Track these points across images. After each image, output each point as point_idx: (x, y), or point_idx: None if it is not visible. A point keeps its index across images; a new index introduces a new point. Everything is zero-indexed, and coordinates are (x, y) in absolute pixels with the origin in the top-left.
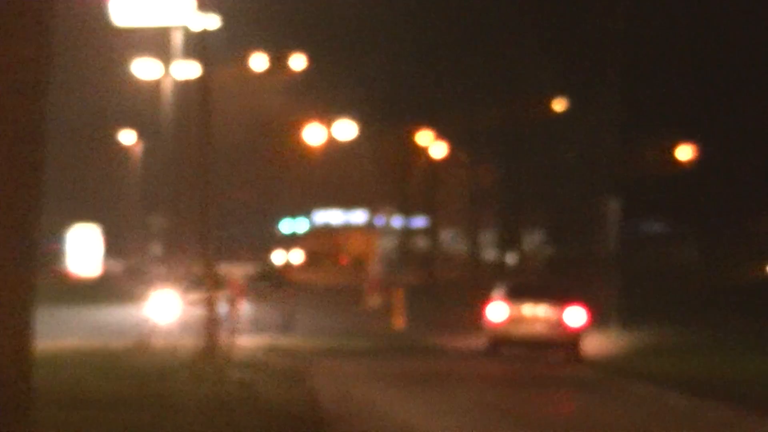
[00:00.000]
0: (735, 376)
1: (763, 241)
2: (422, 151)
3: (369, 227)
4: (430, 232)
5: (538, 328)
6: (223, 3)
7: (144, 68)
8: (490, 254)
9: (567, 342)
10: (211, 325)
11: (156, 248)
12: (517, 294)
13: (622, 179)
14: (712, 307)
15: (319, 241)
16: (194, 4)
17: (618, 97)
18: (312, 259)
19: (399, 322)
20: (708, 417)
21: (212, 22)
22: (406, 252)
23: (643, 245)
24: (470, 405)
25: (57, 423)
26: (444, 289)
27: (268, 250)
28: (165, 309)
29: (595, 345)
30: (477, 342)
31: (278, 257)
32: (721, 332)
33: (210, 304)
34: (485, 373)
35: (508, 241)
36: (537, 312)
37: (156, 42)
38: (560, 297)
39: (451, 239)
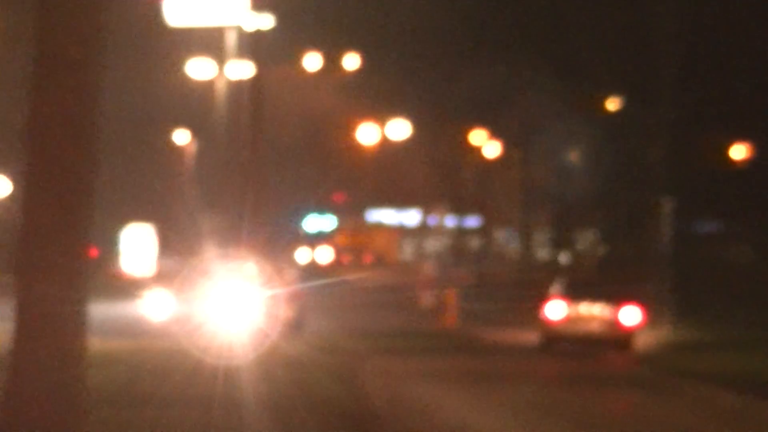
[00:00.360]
0: None
1: None
2: (476, 151)
3: (393, 226)
4: (483, 231)
5: (594, 327)
6: (277, 3)
7: (198, 68)
8: (543, 253)
9: (621, 341)
10: (264, 323)
11: (209, 247)
12: (574, 293)
13: (676, 178)
14: (766, 305)
15: (343, 239)
16: (248, 3)
17: (672, 96)
18: (338, 257)
19: (451, 320)
20: (762, 417)
21: (266, 21)
22: (458, 251)
23: (697, 244)
24: (524, 403)
25: (113, 422)
26: (497, 288)
27: (305, 247)
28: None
29: (648, 343)
30: (529, 339)
31: (303, 255)
32: None
33: (262, 302)
34: (539, 371)
35: (562, 240)
36: (593, 311)
37: (210, 42)
38: (616, 296)
39: (504, 238)
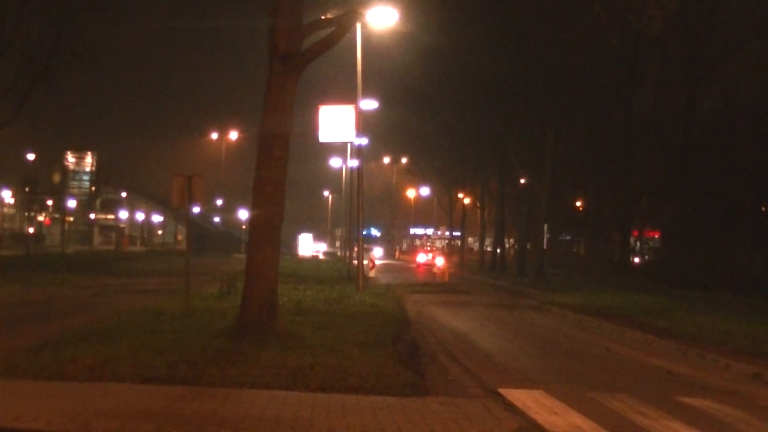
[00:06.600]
0: None
1: None
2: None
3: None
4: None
5: (432, 262)
6: (370, 130)
7: (333, 162)
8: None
9: (441, 268)
10: (361, 274)
11: (336, 243)
12: (426, 253)
13: None
14: None
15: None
16: (355, 133)
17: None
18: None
19: (445, 279)
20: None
21: (364, 141)
22: (452, 250)
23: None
24: (479, 316)
25: (288, 320)
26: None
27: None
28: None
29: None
30: (475, 287)
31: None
32: None
33: (360, 263)
34: (488, 301)
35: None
36: (429, 258)
37: (340, 149)
38: (439, 255)
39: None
